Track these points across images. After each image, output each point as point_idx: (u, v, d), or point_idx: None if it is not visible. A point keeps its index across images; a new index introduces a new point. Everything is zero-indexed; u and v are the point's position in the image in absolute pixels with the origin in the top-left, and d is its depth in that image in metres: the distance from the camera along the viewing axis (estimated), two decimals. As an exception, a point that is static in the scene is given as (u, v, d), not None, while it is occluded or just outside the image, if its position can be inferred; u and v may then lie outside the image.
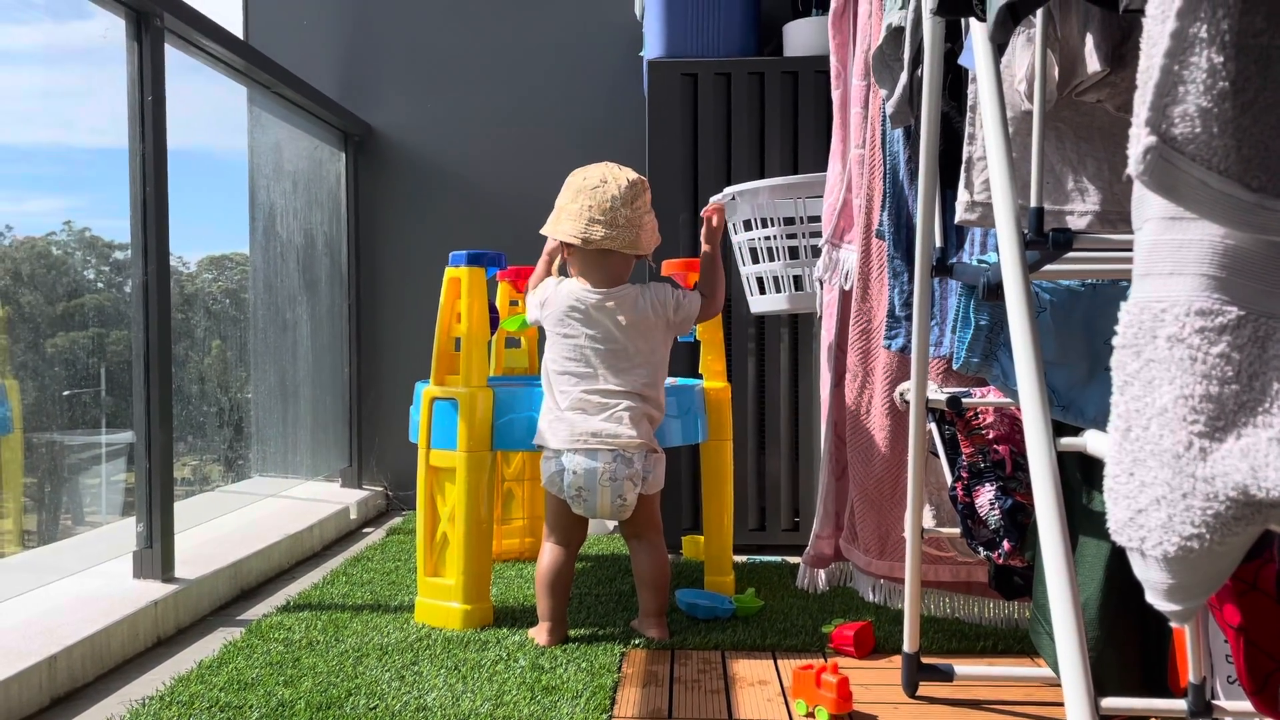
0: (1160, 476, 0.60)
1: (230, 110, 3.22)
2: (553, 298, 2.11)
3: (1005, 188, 1.06)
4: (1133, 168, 0.58)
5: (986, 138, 1.08)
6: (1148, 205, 0.61)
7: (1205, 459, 0.58)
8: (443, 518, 2.20)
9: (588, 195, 2.05)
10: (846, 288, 2.33)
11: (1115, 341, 0.65)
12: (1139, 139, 0.58)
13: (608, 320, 2.07)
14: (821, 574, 2.42)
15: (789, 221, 2.48)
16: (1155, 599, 0.65)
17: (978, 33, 1.14)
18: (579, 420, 2.03)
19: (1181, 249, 0.59)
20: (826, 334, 2.42)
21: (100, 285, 2.81)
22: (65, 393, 2.53)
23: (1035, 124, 1.07)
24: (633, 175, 2.07)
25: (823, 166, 2.60)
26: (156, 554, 2.21)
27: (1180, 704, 1.07)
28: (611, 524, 3.15)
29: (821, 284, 2.45)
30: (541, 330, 2.17)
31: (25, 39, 2.48)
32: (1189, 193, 0.57)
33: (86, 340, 2.59)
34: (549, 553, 2.10)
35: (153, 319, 2.21)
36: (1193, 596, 0.62)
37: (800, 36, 2.91)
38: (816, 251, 2.47)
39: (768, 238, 2.51)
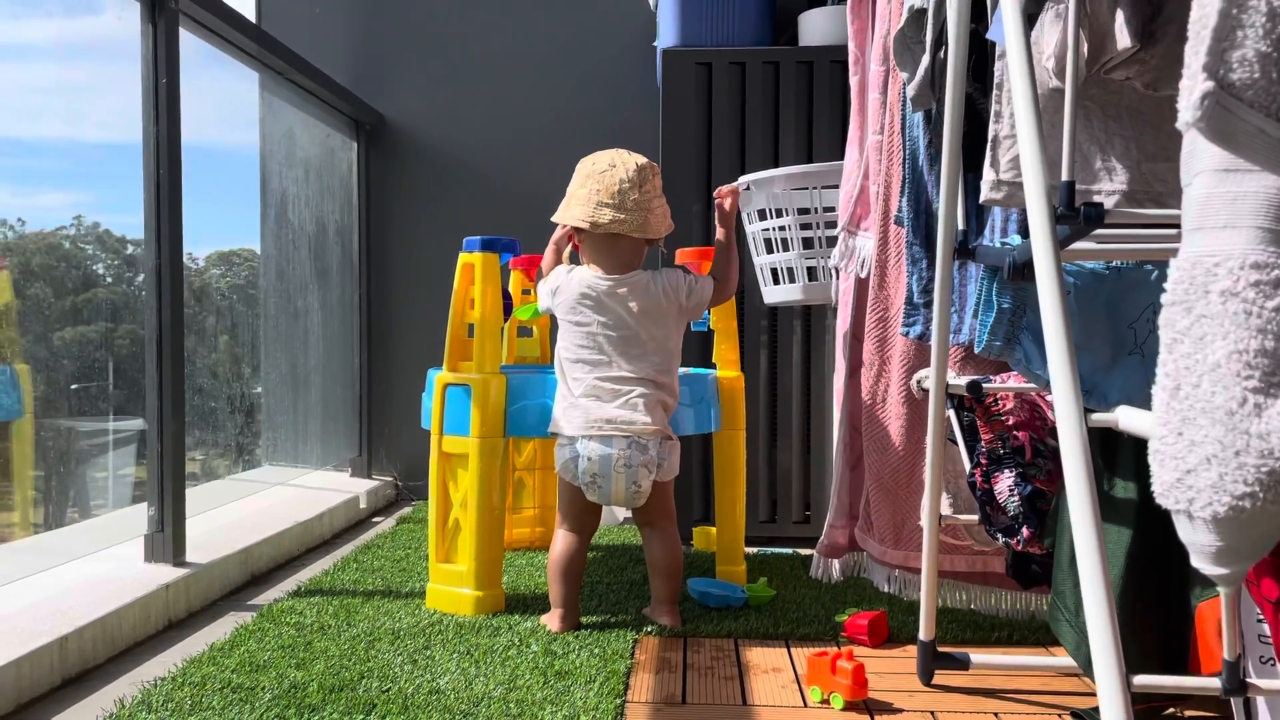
0: (1211, 434, 0.59)
1: (241, 104, 3.21)
2: (564, 285, 2.10)
3: (1035, 161, 1.04)
4: (1188, 116, 0.56)
5: (1016, 111, 1.07)
6: (1200, 158, 0.60)
7: (1260, 415, 0.57)
8: (455, 504, 2.18)
9: (596, 179, 2.04)
10: (863, 275, 2.31)
11: (1164, 299, 0.63)
12: (1194, 87, 0.56)
13: (619, 307, 2.05)
14: (835, 564, 2.41)
15: (803, 211, 2.47)
16: (1201, 563, 0.63)
17: (1008, 5, 1.12)
18: (593, 407, 2.02)
19: (1237, 201, 0.58)
20: (841, 322, 2.41)
21: (110, 279, 2.80)
22: (74, 386, 2.53)
23: (1067, 98, 1.05)
24: (641, 159, 2.06)
25: (837, 157, 2.59)
26: (168, 538, 2.20)
27: (1214, 682, 1.05)
28: (623, 514, 3.14)
29: (837, 272, 2.43)
30: (554, 318, 2.16)
31: (37, 33, 2.48)
32: (1246, 141, 0.55)
33: (95, 334, 2.58)
34: (562, 540, 2.09)
35: (165, 303, 2.20)
36: (1241, 560, 0.61)
37: (816, 26, 2.89)
38: (831, 242, 2.45)
39: (782, 228, 2.49)
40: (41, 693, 1.69)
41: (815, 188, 2.45)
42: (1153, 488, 0.67)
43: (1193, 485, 0.61)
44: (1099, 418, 1.00)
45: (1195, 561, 0.64)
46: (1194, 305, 0.60)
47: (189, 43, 2.39)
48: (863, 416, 2.30)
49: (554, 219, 2.12)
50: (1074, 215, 1.05)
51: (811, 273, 2.52)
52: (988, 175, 1.30)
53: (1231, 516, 0.59)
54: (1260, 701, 1.15)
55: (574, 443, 2.03)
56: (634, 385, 2.03)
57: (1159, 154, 1.25)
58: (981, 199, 1.32)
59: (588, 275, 2.08)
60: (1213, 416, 0.59)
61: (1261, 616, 1.06)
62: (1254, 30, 0.54)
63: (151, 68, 2.21)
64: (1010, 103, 1.23)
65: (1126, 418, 0.98)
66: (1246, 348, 0.57)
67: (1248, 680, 1.02)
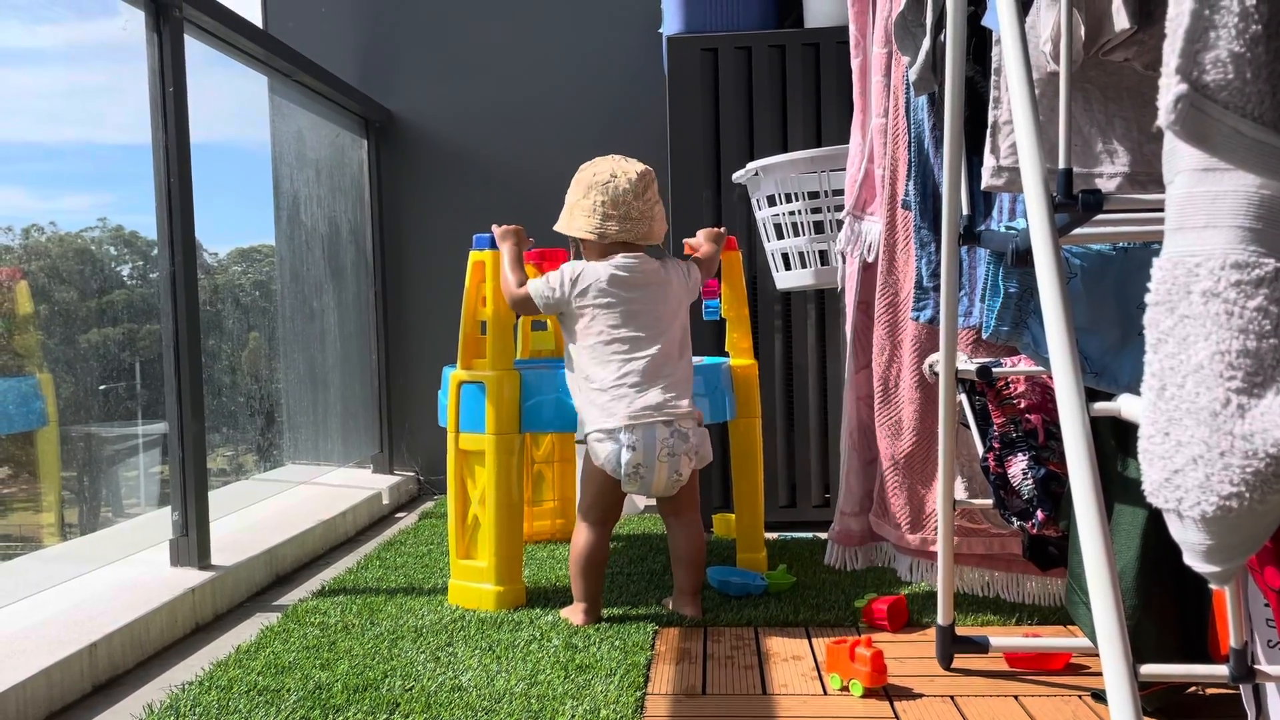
0: (1197, 435, 0.59)
1: (252, 102, 3.23)
2: (587, 272, 2.06)
3: (1032, 149, 1.04)
4: (1163, 118, 0.56)
5: (1012, 99, 1.06)
6: (1179, 157, 0.60)
7: (1243, 416, 0.57)
8: (473, 500, 2.20)
9: (599, 190, 2.06)
10: (870, 259, 2.30)
11: (1148, 299, 0.63)
12: (1169, 88, 0.56)
13: (646, 284, 2.07)
14: (848, 550, 2.41)
15: (813, 196, 2.46)
16: (1194, 561, 0.63)
17: (1001, -8, 1.11)
18: (634, 394, 2.00)
19: (1215, 201, 0.57)
20: (849, 307, 2.40)
21: (134, 280, 2.84)
22: (101, 387, 2.56)
23: (1062, 84, 1.04)
24: (640, 166, 2.09)
25: (846, 139, 2.57)
26: (192, 542, 2.23)
27: (1222, 669, 1.05)
28: (642, 503, 3.15)
29: (844, 257, 2.43)
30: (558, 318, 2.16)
31: (51, 38, 2.50)
32: (1222, 142, 0.55)
33: (120, 335, 2.62)
34: (586, 533, 2.08)
35: (181, 309, 2.22)
36: (1232, 558, 0.61)
37: (821, 7, 2.87)
38: (842, 225, 2.45)
39: (792, 213, 2.49)
40: (72, 700, 1.72)
41: (824, 171, 2.44)
42: (1144, 486, 0.67)
43: (1180, 485, 0.61)
44: (1101, 407, 0.99)
45: (1188, 559, 0.64)
46: (1177, 305, 0.60)
47: (197, 46, 2.41)
48: (875, 400, 2.29)
49: (558, 229, 2.15)
50: (1072, 203, 1.04)
51: (823, 257, 2.51)
52: (988, 161, 1.30)
53: (1219, 516, 0.59)
54: (1270, 684, 1.15)
55: (615, 434, 2.00)
56: (672, 364, 2.05)
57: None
58: (983, 185, 1.31)
59: (613, 260, 2.08)
60: (1198, 417, 0.59)
61: (1267, 602, 1.06)
62: (1227, 31, 0.54)
63: (158, 76, 2.23)
64: (1008, 89, 1.22)
65: (1128, 406, 0.97)
66: (1229, 348, 0.57)
67: (1256, 667, 1.02)
